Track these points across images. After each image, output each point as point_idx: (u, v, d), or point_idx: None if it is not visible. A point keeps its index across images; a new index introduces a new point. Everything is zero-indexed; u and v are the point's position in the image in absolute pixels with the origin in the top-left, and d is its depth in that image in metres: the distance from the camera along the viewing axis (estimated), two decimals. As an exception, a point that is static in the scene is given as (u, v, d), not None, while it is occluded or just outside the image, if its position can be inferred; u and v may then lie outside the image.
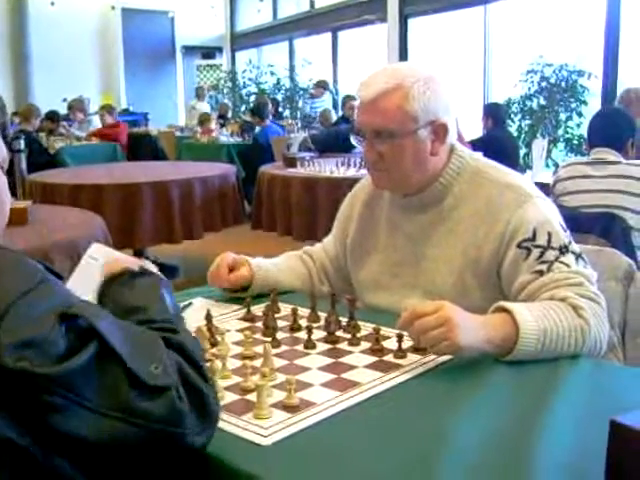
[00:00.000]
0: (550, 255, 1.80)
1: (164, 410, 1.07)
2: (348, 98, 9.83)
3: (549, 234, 1.82)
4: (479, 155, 2.07)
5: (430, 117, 1.88)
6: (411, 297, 1.95)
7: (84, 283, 1.49)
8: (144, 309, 1.27)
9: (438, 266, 1.95)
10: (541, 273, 1.79)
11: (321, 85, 12.50)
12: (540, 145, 6.11)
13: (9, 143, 1.31)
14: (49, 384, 1.00)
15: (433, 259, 1.97)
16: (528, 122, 9.25)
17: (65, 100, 12.91)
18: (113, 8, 16.76)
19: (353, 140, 2.03)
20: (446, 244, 1.95)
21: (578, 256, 1.82)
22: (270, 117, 9.76)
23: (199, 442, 1.12)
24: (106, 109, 10.91)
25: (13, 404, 1.01)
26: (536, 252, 1.81)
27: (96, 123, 11.26)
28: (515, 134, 8.69)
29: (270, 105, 10.34)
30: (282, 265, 2.20)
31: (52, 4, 15.44)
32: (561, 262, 1.79)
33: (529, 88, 9.24)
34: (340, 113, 10.78)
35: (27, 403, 1.01)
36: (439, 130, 1.91)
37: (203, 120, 10.62)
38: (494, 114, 6.90)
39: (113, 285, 1.37)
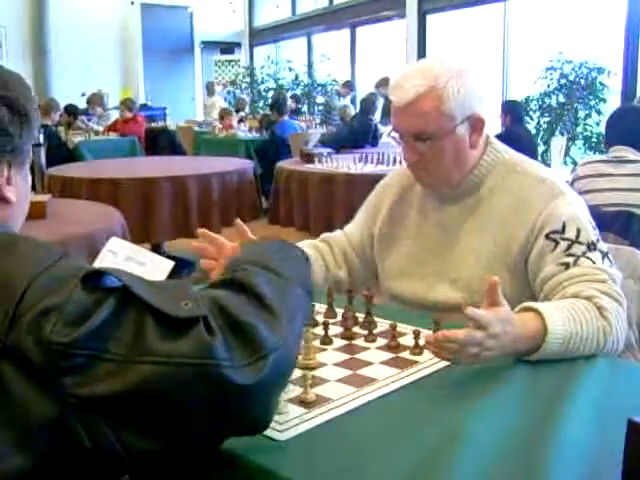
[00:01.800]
0: (577, 249, 1.80)
1: (192, 344, 1.02)
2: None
3: (578, 229, 1.83)
4: (513, 151, 2.08)
5: (466, 112, 1.90)
6: (437, 286, 1.97)
7: None
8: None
9: (467, 256, 1.96)
10: (567, 266, 1.79)
11: (348, 85, 12.56)
12: (559, 143, 6.07)
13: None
14: (68, 348, 0.99)
15: (462, 249, 1.98)
16: (547, 119, 9.21)
17: (84, 94, 12.97)
18: (132, 3, 16.80)
19: (391, 140, 2.05)
20: (477, 235, 1.97)
21: (605, 255, 1.82)
22: (288, 113, 9.75)
23: (242, 379, 1.03)
24: (126, 104, 10.92)
25: (41, 377, 1.01)
26: (563, 244, 1.82)
27: (115, 117, 11.29)
28: (533, 131, 8.66)
29: (290, 101, 10.34)
30: None
31: (72, -2, 15.51)
32: (587, 258, 1.79)
33: (548, 85, 9.20)
34: (358, 109, 10.77)
35: (52, 372, 1.00)
36: (476, 123, 1.94)
37: (224, 115, 10.64)
38: (512, 111, 6.87)
39: None
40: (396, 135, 2.01)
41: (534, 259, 1.86)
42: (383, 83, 10.12)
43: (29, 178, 1.32)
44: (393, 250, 2.15)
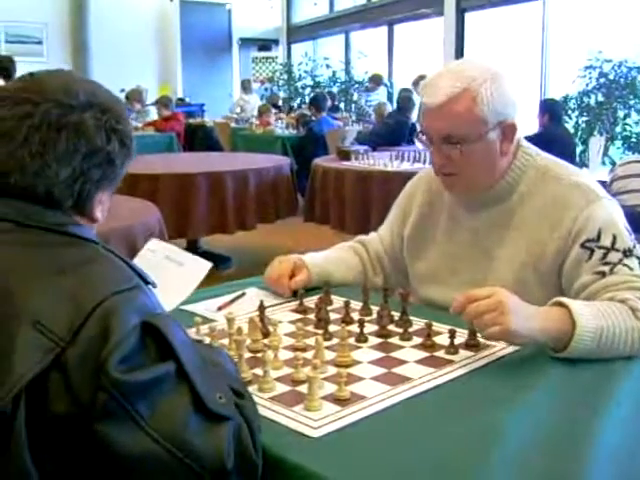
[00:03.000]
0: (614, 257, 1.78)
1: (210, 450, 1.07)
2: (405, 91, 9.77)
3: (614, 236, 1.80)
4: (545, 153, 2.03)
5: (499, 118, 1.86)
6: (468, 291, 1.94)
7: None
8: (217, 364, 1.27)
9: (499, 263, 1.94)
10: (603, 274, 1.77)
11: (375, 80, 12.50)
12: (597, 142, 6.02)
13: None
14: (110, 385, 1.02)
15: (495, 256, 1.96)
16: (585, 119, 9.12)
17: (123, 90, 13.05)
18: (172, 0, 16.90)
19: (418, 143, 2.02)
20: (509, 241, 1.94)
21: None
22: (327, 110, 9.73)
23: None
24: (162, 102, 10.97)
25: (77, 382, 1.03)
26: (599, 253, 1.79)
27: (153, 113, 11.36)
28: (572, 131, 8.57)
29: (328, 99, 10.31)
30: (334, 258, 2.20)
31: (112, -5, 15.63)
32: (624, 265, 1.77)
33: (587, 84, 9.11)
34: (395, 106, 10.75)
35: (85, 393, 1.03)
36: (508, 130, 1.89)
37: (262, 111, 10.67)
38: (551, 110, 6.81)
39: None
40: (424, 138, 1.96)
41: (569, 268, 1.84)
42: (420, 81, 10.08)
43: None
44: (423, 254, 2.14)
